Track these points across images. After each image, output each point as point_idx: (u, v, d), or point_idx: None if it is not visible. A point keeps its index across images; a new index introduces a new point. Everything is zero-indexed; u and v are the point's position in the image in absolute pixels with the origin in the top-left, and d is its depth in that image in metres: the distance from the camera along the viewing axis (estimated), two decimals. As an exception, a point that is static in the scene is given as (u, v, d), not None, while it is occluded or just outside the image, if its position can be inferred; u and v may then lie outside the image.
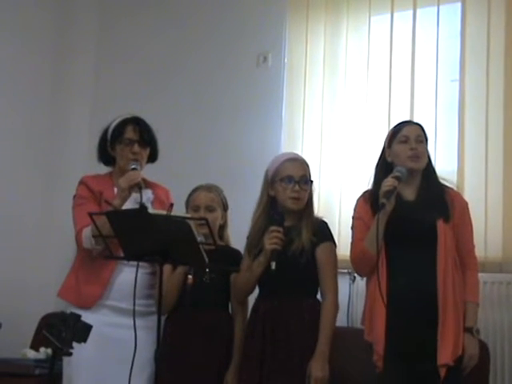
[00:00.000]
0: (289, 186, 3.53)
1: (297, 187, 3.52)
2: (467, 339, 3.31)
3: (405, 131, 3.52)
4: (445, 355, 3.24)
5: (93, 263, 3.67)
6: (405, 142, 3.49)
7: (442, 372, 3.23)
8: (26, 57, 5.48)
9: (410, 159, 3.46)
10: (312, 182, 3.63)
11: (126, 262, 3.51)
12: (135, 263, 3.39)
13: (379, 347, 3.33)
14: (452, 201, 3.44)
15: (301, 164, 3.63)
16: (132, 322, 3.34)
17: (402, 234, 3.38)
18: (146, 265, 3.66)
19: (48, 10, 5.69)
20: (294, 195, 3.52)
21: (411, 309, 3.31)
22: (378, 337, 3.34)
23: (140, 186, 3.65)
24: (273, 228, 3.47)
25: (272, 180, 3.60)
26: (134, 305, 3.35)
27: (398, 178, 3.39)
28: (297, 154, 3.77)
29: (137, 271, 3.35)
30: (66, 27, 5.81)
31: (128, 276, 3.58)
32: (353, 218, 3.58)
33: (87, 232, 3.61)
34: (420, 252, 3.35)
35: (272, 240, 3.43)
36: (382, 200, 3.32)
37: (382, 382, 3.36)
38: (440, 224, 3.36)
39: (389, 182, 3.37)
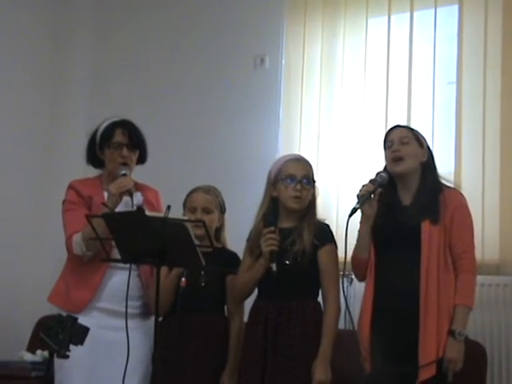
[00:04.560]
0: (290, 184, 3.51)
1: (298, 186, 3.51)
2: (449, 342, 3.23)
3: (390, 136, 3.51)
4: (426, 356, 3.20)
5: (83, 268, 3.66)
6: (390, 147, 3.48)
7: (423, 373, 3.19)
8: (23, 60, 5.48)
9: (392, 163, 3.45)
10: (315, 182, 3.61)
11: (117, 264, 3.51)
12: (126, 266, 3.40)
13: (364, 349, 3.36)
14: (445, 201, 3.36)
15: (304, 164, 3.63)
16: (123, 324, 3.37)
17: (387, 238, 3.40)
18: (135, 266, 3.66)
19: (45, 13, 5.69)
20: (295, 194, 3.51)
21: (395, 311, 3.31)
22: (363, 338, 3.37)
23: (131, 192, 3.64)
24: (266, 230, 3.48)
25: (274, 180, 3.59)
26: (127, 307, 3.38)
27: (373, 182, 3.42)
28: (300, 155, 3.77)
29: (129, 274, 3.38)
30: (63, 30, 5.81)
31: (119, 278, 3.61)
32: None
33: (78, 238, 3.61)
34: (405, 255, 3.33)
35: (267, 242, 3.44)
36: (356, 205, 3.38)
37: (367, 383, 3.39)
38: (425, 226, 3.31)
39: (364, 187, 3.41)
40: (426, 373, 3.20)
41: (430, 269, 3.28)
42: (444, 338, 3.23)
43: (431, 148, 3.59)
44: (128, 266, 3.40)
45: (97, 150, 3.81)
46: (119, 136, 3.75)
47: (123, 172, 3.69)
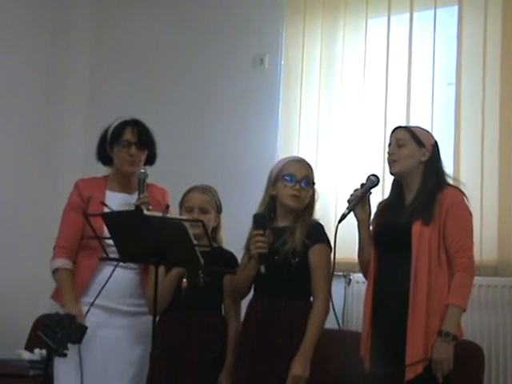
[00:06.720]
0: (290, 183, 3.53)
1: (298, 186, 3.52)
2: (436, 343, 3.22)
3: (390, 139, 3.55)
4: (411, 356, 3.21)
5: (79, 264, 3.73)
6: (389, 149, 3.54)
7: (409, 372, 3.20)
8: (22, 59, 5.48)
9: (389, 165, 3.50)
10: (314, 184, 3.62)
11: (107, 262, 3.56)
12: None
13: (363, 349, 3.41)
14: (441, 200, 3.35)
15: (305, 166, 3.64)
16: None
17: (383, 239, 3.44)
18: (134, 264, 3.67)
19: (44, 12, 5.69)
20: (293, 193, 3.51)
21: (389, 312, 3.33)
22: (364, 337, 3.42)
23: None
24: (254, 232, 3.48)
25: (275, 179, 3.60)
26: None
27: (362, 186, 3.51)
28: (302, 158, 3.77)
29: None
30: (62, 27, 5.82)
31: (114, 276, 3.60)
32: None
33: (53, 264, 3.73)
34: (398, 256, 3.35)
35: (255, 245, 3.44)
36: (345, 211, 3.48)
37: (365, 383, 3.43)
38: (416, 227, 3.30)
39: (354, 193, 3.51)
40: (411, 372, 3.21)
41: (419, 270, 3.28)
42: (433, 338, 3.23)
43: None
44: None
45: (107, 148, 3.85)
46: (129, 134, 3.79)
47: (142, 173, 3.72)
